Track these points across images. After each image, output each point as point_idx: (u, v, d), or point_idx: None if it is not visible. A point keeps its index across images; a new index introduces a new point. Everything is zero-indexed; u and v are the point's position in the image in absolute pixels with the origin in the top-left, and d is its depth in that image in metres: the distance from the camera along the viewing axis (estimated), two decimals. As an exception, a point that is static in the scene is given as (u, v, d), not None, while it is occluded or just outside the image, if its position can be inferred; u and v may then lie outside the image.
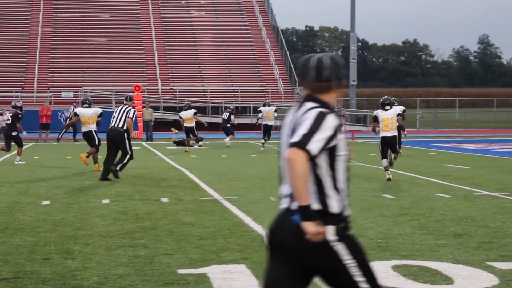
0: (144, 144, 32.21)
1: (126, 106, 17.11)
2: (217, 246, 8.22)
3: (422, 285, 6.42)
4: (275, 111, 30.12)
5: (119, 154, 16.84)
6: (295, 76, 56.61)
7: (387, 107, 16.51)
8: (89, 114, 18.66)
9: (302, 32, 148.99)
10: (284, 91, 54.50)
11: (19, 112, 21.59)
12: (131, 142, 17.07)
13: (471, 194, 13.00)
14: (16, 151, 21.65)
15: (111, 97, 49.22)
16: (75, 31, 58.71)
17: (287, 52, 58.47)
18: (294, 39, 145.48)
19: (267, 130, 28.99)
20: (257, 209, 11.16)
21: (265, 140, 28.63)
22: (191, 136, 28.37)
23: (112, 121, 16.83)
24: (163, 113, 47.69)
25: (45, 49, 56.32)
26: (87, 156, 18.64)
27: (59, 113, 45.43)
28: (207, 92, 53.34)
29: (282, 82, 54.98)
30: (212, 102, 51.14)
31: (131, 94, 19.31)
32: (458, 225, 9.56)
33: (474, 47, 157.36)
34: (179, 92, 52.65)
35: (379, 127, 16.64)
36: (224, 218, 10.26)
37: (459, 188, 14.06)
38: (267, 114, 29.36)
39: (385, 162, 16.21)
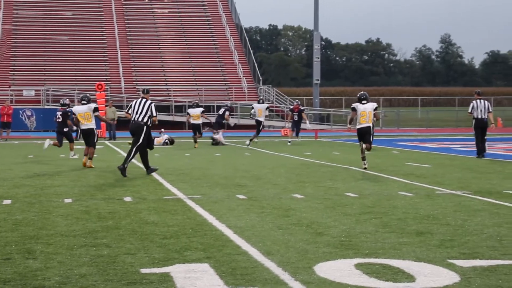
0: (107, 143, 32.01)
1: (145, 100, 17.24)
2: (180, 245, 8.20)
3: (385, 283, 6.46)
4: (267, 108, 31.15)
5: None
6: (259, 75, 56.66)
7: (363, 101, 18.12)
8: (83, 111, 19.20)
9: (265, 31, 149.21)
10: (248, 90, 54.53)
11: (67, 109, 22.95)
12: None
13: (433, 193, 13.11)
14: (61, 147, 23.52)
15: (74, 95, 48.83)
16: (37, 29, 58.17)
17: (251, 51, 58.51)
18: (258, 37, 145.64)
19: (258, 126, 30.21)
20: (221, 208, 11.14)
21: (254, 136, 29.84)
22: (197, 133, 29.44)
23: (134, 114, 17.06)
24: (127, 111, 47.47)
25: (6, 47, 55.71)
26: (90, 159, 19.16)
27: (21, 112, 44.99)
28: (170, 90, 53.19)
29: (246, 80, 55.00)
30: (175, 101, 51.03)
31: (147, 87, 19.77)
32: (420, 223, 9.63)
33: (436, 46, 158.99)
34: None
35: (352, 123, 18.53)
36: (188, 217, 10.23)
37: (421, 186, 14.18)
38: (259, 111, 30.42)
39: (363, 145, 18.09)
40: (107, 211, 10.89)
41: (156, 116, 17.22)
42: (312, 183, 14.74)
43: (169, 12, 62.42)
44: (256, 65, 57.60)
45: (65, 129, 23.03)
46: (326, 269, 6.96)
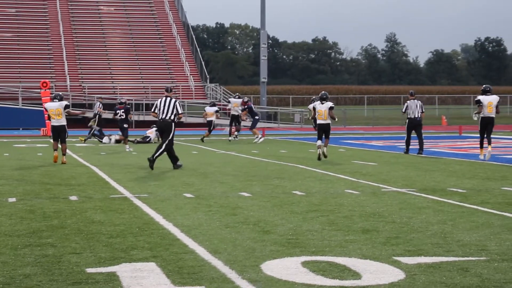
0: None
1: (170, 98, 18.20)
2: (126, 244, 8.14)
3: (331, 280, 6.50)
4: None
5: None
6: (206, 73, 56.56)
7: (323, 101, 20.77)
8: (55, 107, 19.81)
9: (212, 29, 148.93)
10: (195, 88, 54.40)
11: (127, 106, 27.36)
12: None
13: (379, 190, 13.24)
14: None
15: (18, 94, 48.16)
16: (-20, 25, 57.23)
17: (198, 49, 58.36)
18: (205, 36, 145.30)
19: (234, 119, 32.57)
20: (168, 207, 11.10)
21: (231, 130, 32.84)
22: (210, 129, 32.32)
23: (161, 113, 18.00)
24: (72, 109, 46.98)
25: None
26: (64, 154, 19.83)
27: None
28: (117, 88, 52.77)
29: (193, 79, 54.86)
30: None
31: (170, 85, 20.66)
32: (366, 221, 9.72)
33: (382, 45, 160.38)
34: (88, 88, 51.92)
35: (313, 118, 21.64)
36: (134, 216, 10.17)
37: (367, 184, 14.31)
38: (234, 104, 32.99)
39: (319, 142, 20.78)
40: (52, 210, 10.76)
41: (181, 114, 18.41)
42: (260, 181, 14.77)
43: (115, 9, 61.91)
44: (203, 63, 57.48)
45: (125, 125, 26.66)
46: (273, 267, 6.98)
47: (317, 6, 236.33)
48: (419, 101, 22.97)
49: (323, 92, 21.55)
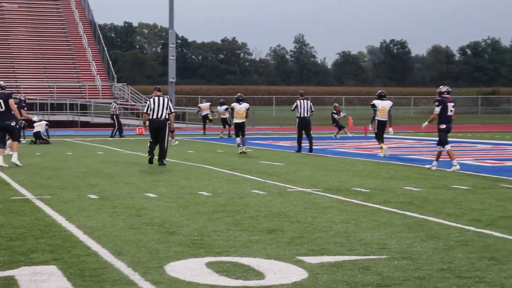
0: None
1: (162, 98, 18.95)
2: (26, 247, 7.95)
3: (235, 281, 6.49)
4: (210, 105, 38.54)
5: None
6: (113, 72, 55.94)
7: (241, 102, 23.76)
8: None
9: (120, 28, 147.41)
10: (102, 88, 53.73)
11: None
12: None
13: (285, 190, 13.33)
14: None
15: None
16: None
17: (105, 48, 57.64)
18: (113, 35, 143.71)
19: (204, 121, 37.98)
20: (71, 208, 10.90)
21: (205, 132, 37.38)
22: (226, 126, 36.12)
23: (154, 112, 18.61)
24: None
25: None
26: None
27: None
28: (20, 88, 51.61)
29: (100, 78, 54.16)
30: (27, 99, 49.55)
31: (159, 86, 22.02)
32: (272, 221, 9.76)
33: (290, 46, 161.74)
34: (-9, 87, 50.66)
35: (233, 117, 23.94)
36: (36, 218, 9.94)
37: (274, 184, 14.38)
38: (204, 108, 37.94)
39: (238, 140, 23.35)
40: (-51, 213, 10.42)
41: (174, 112, 19.34)
42: (166, 182, 14.67)
43: (18, 7, 60.56)
44: (110, 62, 56.83)
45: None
46: (177, 269, 6.93)
47: (226, 6, 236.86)
48: (309, 101, 24.07)
49: (239, 94, 24.65)
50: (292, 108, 24.31)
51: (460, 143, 28.99)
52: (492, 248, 7.91)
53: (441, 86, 18.17)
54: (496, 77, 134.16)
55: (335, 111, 36.52)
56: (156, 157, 18.81)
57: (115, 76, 56.07)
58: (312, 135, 24.19)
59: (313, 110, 24.02)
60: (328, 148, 26.36)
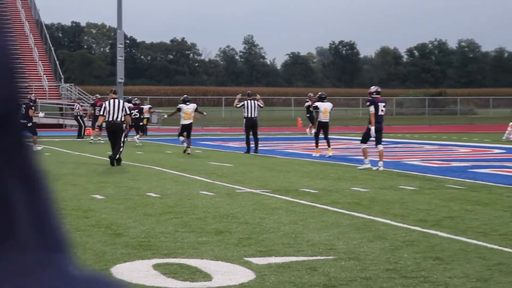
0: None
1: (118, 100, 19.53)
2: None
3: (182, 282, 6.47)
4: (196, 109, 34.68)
5: None
6: (60, 73, 55.39)
7: (187, 103, 24.08)
8: None
9: (68, 27, 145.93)
10: (49, 88, 53.14)
11: (141, 107, 31.77)
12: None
13: (233, 191, 13.32)
14: None
15: None
16: None
17: (52, 48, 56.99)
18: (60, 35, 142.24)
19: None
20: None
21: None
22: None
23: (110, 115, 19.02)
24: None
25: None
26: None
27: None
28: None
29: (47, 78, 53.55)
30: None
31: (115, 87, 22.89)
32: (220, 222, 9.75)
33: (240, 47, 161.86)
34: None
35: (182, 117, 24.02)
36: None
37: (223, 185, 14.37)
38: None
39: (182, 138, 23.96)
40: None
41: (129, 114, 20.03)
42: (114, 183, 14.56)
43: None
44: (57, 62, 56.20)
45: (141, 123, 30.56)
46: (123, 271, 6.88)
47: (175, 7, 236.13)
48: (257, 101, 24.25)
49: (185, 95, 25.36)
50: (238, 105, 24.50)
51: (408, 143, 29.32)
52: (437, 248, 8.02)
53: (372, 87, 18.72)
54: (443, 79, 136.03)
55: (309, 102, 34.04)
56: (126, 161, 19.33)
57: (62, 76, 55.47)
58: (259, 136, 24.40)
59: (262, 105, 24.34)
60: (277, 148, 26.44)
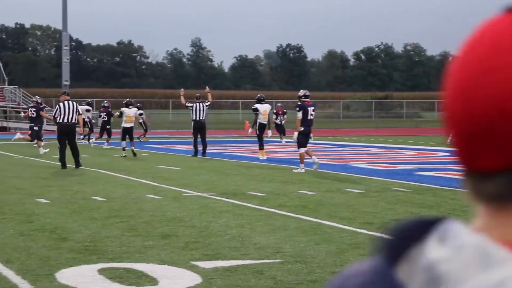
0: None
1: (71, 102, 19.50)
2: None
3: (128, 287, 6.41)
4: (141, 114, 34.13)
5: None
6: (4, 75, 54.57)
7: (130, 106, 24.68)
8: None
9: (12, 29, 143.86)
10: (-7, 90, 52.34)
11: (109, 110, 31.10)
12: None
13: (180, 195, 13.25)
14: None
15: None
16: None
17: (-4, 50, 56.12)
18: (4, 36, 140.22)
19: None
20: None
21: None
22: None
23: (64, 116, 19.05)
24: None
25: None
26: None
27: None
28: None
29: (-9, 81, 52.72)
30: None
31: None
32: (167, 226, 9.69)
33: (187, 50, 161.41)
34: None
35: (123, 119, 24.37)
36: None
37: (169, 189, 14.29)
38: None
39: (123, 143, 23.83)
40: None
41: (81, 114, 20.29)
42: (59, 187, 14.37)
43: None
44: (1, 65, 55.37)
45: (107, 126, 30.23)
46: (68, 276, 6.79)
47: (122, 9, 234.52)
48: (205, 104, 24.21)
49: (128, 99, 25.97)
50: (188, 104, 24.31)
51: (354, 147, 29.54)
52: (383, 250, 8.07)
53: (300, 90, 18.91)
54: (389, 82, 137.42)
55: (277, 113, 33.83)
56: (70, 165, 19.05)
57: (6, 78, 54.65)
58: (207, 139, 24.41)
59: (208, 103, 24.14)
60: (225, 152, 26.41)
